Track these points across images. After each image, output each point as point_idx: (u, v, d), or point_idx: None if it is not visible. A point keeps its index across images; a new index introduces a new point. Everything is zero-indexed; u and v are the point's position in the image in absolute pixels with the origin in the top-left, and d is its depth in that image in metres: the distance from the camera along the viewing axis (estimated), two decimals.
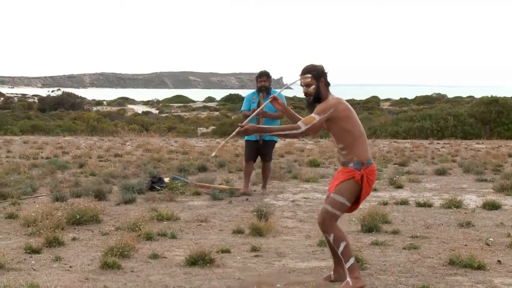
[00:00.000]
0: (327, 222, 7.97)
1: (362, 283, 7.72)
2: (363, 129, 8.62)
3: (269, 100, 8.57)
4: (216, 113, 58.95)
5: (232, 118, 46.90)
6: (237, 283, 8.18)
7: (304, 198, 14.50)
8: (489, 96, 43.05)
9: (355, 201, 8.20)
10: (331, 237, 8.00)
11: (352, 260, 7.81)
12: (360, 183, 8.02)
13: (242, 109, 15.79)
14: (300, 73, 8.36)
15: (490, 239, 10.57)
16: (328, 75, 8.33)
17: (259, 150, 15.21)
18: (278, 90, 14.10)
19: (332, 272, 8.32)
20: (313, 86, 8.17)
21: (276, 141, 15.61)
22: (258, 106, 14.54)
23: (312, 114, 8.08)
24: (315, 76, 8.20)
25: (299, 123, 8.16)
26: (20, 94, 68.25)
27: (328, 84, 8.32)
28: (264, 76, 15.07)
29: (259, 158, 15.32)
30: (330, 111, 8.03)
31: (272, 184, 16.43)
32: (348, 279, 7.66)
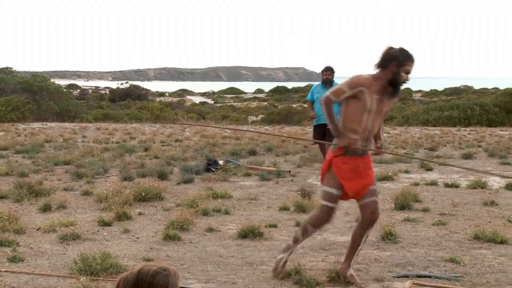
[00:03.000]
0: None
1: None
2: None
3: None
4: (265, 103, 58.84)
5: (279, 107, 46.70)
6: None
7: None
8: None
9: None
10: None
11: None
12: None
13: (307, 98, 16.44)
14: (411, 61, 7.08)
15: None
16: None
17: (326, 133, 15.39)
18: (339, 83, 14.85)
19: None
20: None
21: None
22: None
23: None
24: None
25: None
26: (94, 86, 68.89)
27: None
28: (329, 70, 15.57)
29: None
30: None
31: (314, 166, 16.42)
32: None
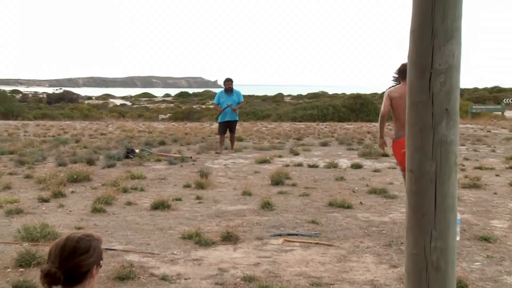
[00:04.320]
0: None
1: None
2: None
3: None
4: (172, 104, 58.35)
5: (183, 108, 46.49)
6: (186, 220, 8.23)
7: (232, 163, 14.55)
8: (355, 93, 44.13)
9: None
10: None
11: None
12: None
13: (214, 102, 17.46)
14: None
15: (355, 188, 10.82)
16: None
17: (229, 126, 16.53)
18: (238, 89, 16.43)
19: None
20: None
21: (237, 121, 17.13)
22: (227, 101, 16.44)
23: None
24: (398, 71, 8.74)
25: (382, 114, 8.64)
26: (33, 92, 66.61)
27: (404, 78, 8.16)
28: (230, 80, 16.51)
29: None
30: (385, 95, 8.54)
31: (210, 153, 16.45)
32: None
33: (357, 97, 40.11)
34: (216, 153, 16.34)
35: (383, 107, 8.54)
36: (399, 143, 8.02)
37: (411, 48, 2.80)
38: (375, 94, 57.92)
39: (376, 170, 13.15)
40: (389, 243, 7.05)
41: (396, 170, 13.19)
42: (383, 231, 7.66)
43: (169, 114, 41.80)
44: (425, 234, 2.76)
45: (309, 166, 13.83)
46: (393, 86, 8.60)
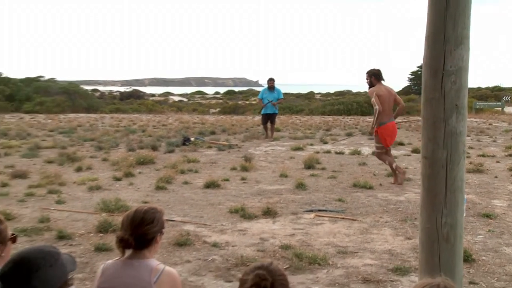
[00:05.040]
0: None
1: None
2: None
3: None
4: (220, 101, 58.54)
5: (230, 103, 46.60)
6: (233, 197, 8.26)
7: (271, 149, 14.53)
8: None
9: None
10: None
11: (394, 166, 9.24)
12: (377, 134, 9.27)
13: (258, 97, 17.74)
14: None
15: (376, 172, 10.68)
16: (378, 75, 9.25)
17: (269, 118, 16.60)
18: (279, 88, 16.65)
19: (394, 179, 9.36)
20: (368, 80, 9.20)
21: (277, 114, 17.19)
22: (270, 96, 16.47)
23: (372, 99, 9.10)
24: (369, 74, 9.19)
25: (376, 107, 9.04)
26: (109, 90, 68.02)
27: (378, 79, 9.20)
28: (272, 80, 16.65)
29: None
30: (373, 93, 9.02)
31: (253, 141, 16.45)
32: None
33: None
34: (265, 139, 16.56)
35: (378, 105, 9.03)
36: (386, 127, 9.17)
37: (426, 52, 2.75)
38: None
39: (394, 157, 12.94)
40: (404, 219, 6.95)
41: (410, 157, 13.00)
42: (399, 209, 7.55)
43: (218, 109, 41.92)
44: (436, 211, 2.73)
45: (336, 153, 13.70)
46: (370, 87, 9.29)
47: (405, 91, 54.89)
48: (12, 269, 1.86)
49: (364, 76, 9.40)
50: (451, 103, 2.64)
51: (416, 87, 53.95)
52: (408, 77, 58.90)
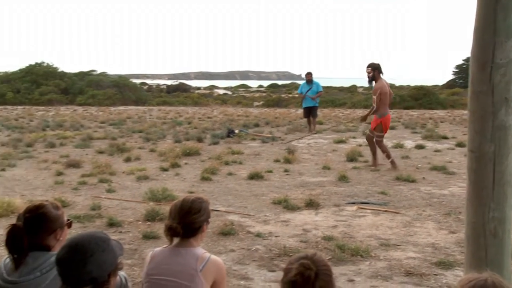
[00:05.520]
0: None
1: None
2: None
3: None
4: (264, 94, 58.50)
5: (273, 96, 46.48)
6: (276, 188, 8.25)
7: (314, 142, 14.45)
8: (419, 85, 42.65)
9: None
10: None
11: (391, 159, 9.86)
12: (380, 123, 9.81)
13: (298, 91, 18.06)
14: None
15: (419, 165, 10.47)
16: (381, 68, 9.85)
17: (310, 111, 16.57)
18: (317, 81, 16.62)
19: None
20: (371, 74, 9.73)
21: (317, 106, 17.15)
22: (308, 90, 16.51)
23: (373, 97, 9.76)
24: (373, 68, 9.69)
25: (374, 99, 9.82)
26: (156, 83, 68.89)
27: (380, 73, 9.80)
28: (309, 74, 16.60)
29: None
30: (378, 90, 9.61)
31: (296, 134, 16.39)
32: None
33: (420, 88, 38.68)
34: (310, 132, 16.45)
35: (376, 104, 9.78)
36: (387, 118, 9.98)
37: (474, 44, 2.66)
38: (436, 86, 55.59)
39: (437, 150, 12.67)
40: (448, 213, 6.79)
41: (454, 150, 12.69)
42: (443, 202, 7.38)
43: (262, 102, 41.89)
44: (483, 206, 2.64)
45: None
46: (371, 80, 9.91)
47: (449, 85, 53.63)
48: (68, 254, 1.91)
49: (365, 69, 9.90)
50: (500, 96, 2.55)
51: (461, 81, 52.54)
52: (453, 71, 57.47)
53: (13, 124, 19.20)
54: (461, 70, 54.36)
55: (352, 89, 55.21)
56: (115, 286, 2.24)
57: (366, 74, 9.93)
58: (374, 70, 9.77)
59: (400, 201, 7.44)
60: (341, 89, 55.42)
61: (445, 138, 15.08)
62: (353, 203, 7.27)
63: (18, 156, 11.46)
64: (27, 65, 41.69)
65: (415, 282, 4.51)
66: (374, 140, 10.10)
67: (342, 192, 7.99)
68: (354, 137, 15.47)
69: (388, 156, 10.07)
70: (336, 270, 4.71)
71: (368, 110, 10.34)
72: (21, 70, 41.12)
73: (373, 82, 10.01)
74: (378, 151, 10.27)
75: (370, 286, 4.43)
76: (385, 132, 10.19)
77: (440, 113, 28.50)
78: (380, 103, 9.78)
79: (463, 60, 54.80)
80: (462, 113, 27.00)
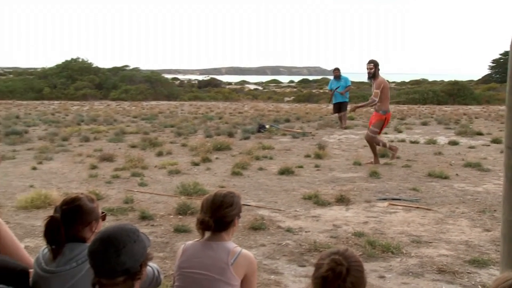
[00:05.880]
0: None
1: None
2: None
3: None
4: (295, 89, 58.27)
5: (304, 92, 46.26)
6: (306, 184, 8.22)
7: (345, 138, 14.35)
8: (453, 80, 41.87)
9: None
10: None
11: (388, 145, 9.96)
12: (384, 120, 9.69)
13: (328, 88, 18.21)
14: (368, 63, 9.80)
15: (452, 162, 10.29)
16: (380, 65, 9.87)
17: (340, 106, 16.57)
18: (346, 76, 16.57)
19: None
20: (373, 70, 9.68)
21: (347, 102, 16.91)
22: (337, 87, 16.45)
23: (376, 90, 9.56)
24: (374, 64, 9.69)
25: (373, 93, 9.67)
26: (188, 79, 69.19)
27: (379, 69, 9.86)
28: (337, 69, 16.60)
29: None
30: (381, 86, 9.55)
31: (327, 129, 16.30)
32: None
33: (454, 83, 37.97)
34: (341, 127, 16.43)
35: (377, 98, 9.65)
36: (390, 115, 9.99)
37: None
38: (471, 81, 54.48)
39: (471, 147, 12.43)
40: (482, 210, 6.65)
41: (490, 147, 12.43)
42: (477, 200, 7.23)
43: (292, 97, 41.76)
44: None
45: (411, 142, 13.34)
46: (371, 77, 9.85)
47: (485, 80, 52.55)
48: (102, 246, 1.93)
49: (366, 65, 9.87)
50: None
51: (497, 75, 51.39)
52: (489, 65, 56.21)
53: (49, 119, 19.62)
54: (498, 65, 53.15)
55: None
56: (146, 276, 2.28)
57: (367, 70, 9.89)
58: (376, 67, 9.80)
59: (432, 197, 7.32)
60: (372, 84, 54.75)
61: (480, 134, 14.81)
62: (384, 199, 7.20)
63: (54, 150, 11.71)
64: (63, 61, 42.53)
65: (447, 280, 4.44)
66: (369, 135, 9.95)
67: (373, 188, 7.92)
68: (385, 133, 15.29)
69: (385, 145, 10.13)
70: (366, 266, 4.66)
71: (365, 102, 10.23)
72: (57, 66, 41.99)
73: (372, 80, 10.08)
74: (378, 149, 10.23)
75: (401, 283, 4.37)
76: (382, 130, 10.15)
77: (475, 108, 27.92)
78: (383, 98, 9.71)
79: (500, 55, 53.60)
80: (498, 108, 26.40)
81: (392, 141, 13.18)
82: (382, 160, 10.33)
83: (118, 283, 1.88)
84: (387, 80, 10.30)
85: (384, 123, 9.98)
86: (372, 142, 9.94)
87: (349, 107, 16.26)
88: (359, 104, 10.58)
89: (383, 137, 10.55)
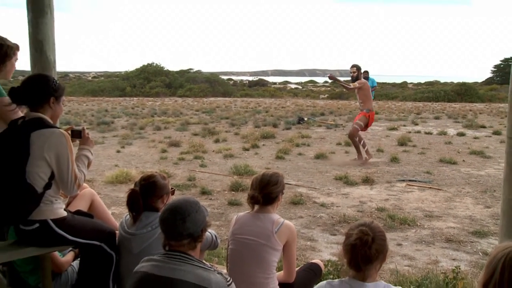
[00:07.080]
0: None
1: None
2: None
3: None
4: (329, 88, 57.44)
5: (336, 90, 45.59)
6: (337, 167, 8.14)
7: (370, 129, 13.92)
8: (461, 81, 40.46)
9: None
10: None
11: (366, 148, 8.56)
12: (368, 117, 8.61)
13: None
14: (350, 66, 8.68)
15: (460, 150, 9.97)
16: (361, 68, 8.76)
17: None
18: (372, 77, 14.14)
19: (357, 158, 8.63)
20: (355, 73, 8.62)
21: (373, 99, 15.16)
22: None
23: (356, 83, 8.51)
24: (357, 68, 8.58)
25: (351, 84, 8.58)
26: (240, 79, 69.49)
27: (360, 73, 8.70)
28: (366, 72, 13.22)
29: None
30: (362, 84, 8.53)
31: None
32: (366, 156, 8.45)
33: (462, 84, 36.78)
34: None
35: (355, 88, 8.56)
36: (373, 114, 8.92)
37: None
38: (476, 82, 52.61)
39: (476, 138, 11.98)
40: (484, 190, 6.44)
41: (491, 138, 11.97)
42: (480, 182, 7.00)
43: (327, 95, 41.23)
44: None
45: (425, 133, 12.97)
46: (355, 80, 8.65)
47: (487, 82, 51.15)
48: (171, 215, 1.98)
49: (350, 68, 8.68)
50: None
51: (498, 78, 50.21)
52: (491, 70, 55.24)
53: (130, 112, 20.12)
54: (499, 69, 52.37)
55: (403, 85, 53.16)
56: (206, 240, 2.31)
57: (351, 73, 8.74)
58: (358, 70, 8.76)
59: (443, 179, 7.13)
60: (393, 84, 53.46)
61: (483, 127, 14.28)
62: (403, 180, 7.06)
63: (133, 137, 12.01)
64: (141, 65, 43.39)
65: (454, 248, 4.35)
66: (354, 127, 8.69)
67: (393, 171, 7.77)
68: (404, 125, 14.94)
69: (364, 145, 8.70)
70: (387, 236, 4.59)
71: (344, 82, 8.81)
72: (136, 69, 42.87)
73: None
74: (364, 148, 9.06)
75: (415, 249, 4.31)
76: (367, 128, 9.06)
77: (479, 106, 26.84)
78: (365, 97, 8.65)
79: (501, 61, 53.03)
80: (498, 106, 25.32)
81: (409, 132, 12.88)
82: (400, 148, 10.10)
83: (183, 245, 1.93)
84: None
85: (369, 120, 8.84)
86: (353, 137, 8.68)
87: (375, 104, 15.92)
88: (340, 80, 9.07)
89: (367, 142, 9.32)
